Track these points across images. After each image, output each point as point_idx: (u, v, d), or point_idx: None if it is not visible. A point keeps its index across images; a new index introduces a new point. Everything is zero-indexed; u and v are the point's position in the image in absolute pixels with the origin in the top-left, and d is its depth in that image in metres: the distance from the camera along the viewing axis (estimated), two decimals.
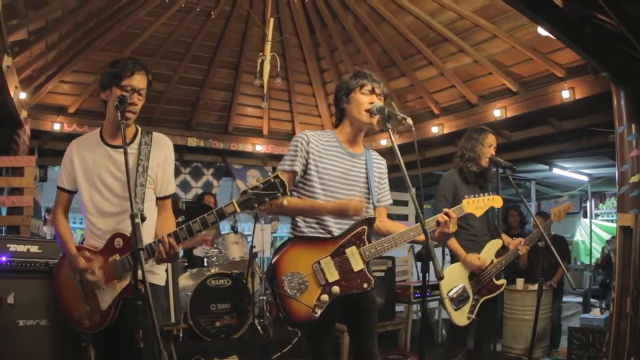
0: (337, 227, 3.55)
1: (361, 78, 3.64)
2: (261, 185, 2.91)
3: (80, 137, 3.60)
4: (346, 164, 3.65)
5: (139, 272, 2.72)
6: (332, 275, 3.36)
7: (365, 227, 3.51)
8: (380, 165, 3.89)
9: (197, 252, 8.54)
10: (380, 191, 3.84)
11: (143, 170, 3.39)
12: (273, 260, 3.44)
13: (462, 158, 5.16)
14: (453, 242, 4.89)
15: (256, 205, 2.92)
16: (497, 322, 6.68)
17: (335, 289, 3.35)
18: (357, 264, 3.40)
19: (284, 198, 2.95)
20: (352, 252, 3.43)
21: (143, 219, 2.85)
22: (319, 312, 3.30)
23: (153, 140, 3.52)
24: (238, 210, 2.95)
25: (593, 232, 15.44)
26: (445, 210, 3.57)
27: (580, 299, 12.42)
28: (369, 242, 3.49)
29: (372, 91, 3.62)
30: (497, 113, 8.00)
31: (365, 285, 3.41)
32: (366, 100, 3.58)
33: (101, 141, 3.44)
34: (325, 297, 3.33)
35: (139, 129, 3.55)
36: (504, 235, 5.44)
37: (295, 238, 3.56)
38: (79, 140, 3.54)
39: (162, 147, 3.55)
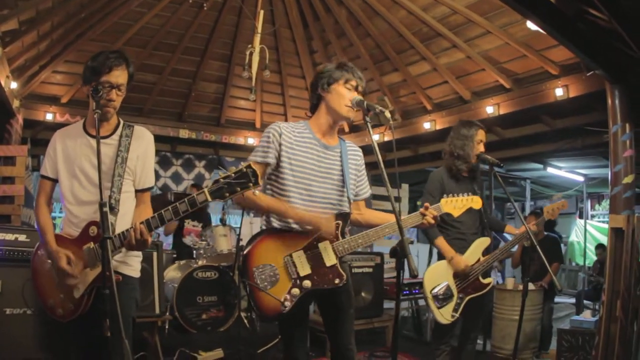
0: None
1: (347, 72, 3.60)
2: (233, 175, 2.90)
3: (65, 127, 3.61)
4: (320, 156, 3.59)
5: (108, 261, 2.73)
6: (304, 269, 3.34)
7: (340, 222, 3.49)
8: (356, 157, 3.82)
9: (187, 241, 8.51)
10: (358, 184, 3.80)
11: (122, 161, 3.39)
12: (244, 252, 3.42)
13: (451, 155, 5.11)
14: (441, 241, 4.85)
15: (227, 194, 2.92)
16: (487, 321, 6.65)
17: (307, 283, 3.33)
18: (330, 259, 3.38)
19: (255, 188, 2.91)
20: (324, 247, 3.41)
21: (111, 207, 2.85)
22: (288, 305, 3.28)
23: (134, 133, 3.52)
24: (209, 199, 2.94)
25: (588, 233, 15.44)
26: (426, 204, 3.59)
27: (574, 300, 12.40)
28: (343, 237, 3.47)
29: (356, 88, 3.59)
30: (490, 110, 7.96)
31: (336, 281, 3.38)
32: (348, 95, 3.54)
33: (83, 131, 3.45)
34: (296, 290, 3.31)
35: (121, 121, 3.55)
36: (509, 227, 5.42)
37: (268, 230, 3.52)
38: (62, 130, 3.55)
39: (142, 140, 3.55)
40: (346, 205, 3.68)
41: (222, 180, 2.91)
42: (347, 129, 10.48)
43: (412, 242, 3.07)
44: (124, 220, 3.34)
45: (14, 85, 7.60)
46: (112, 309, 2.76)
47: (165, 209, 3.06)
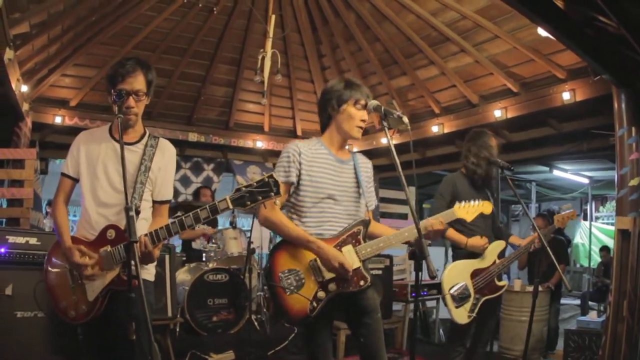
0: (332, 229, 3.56)
1: (356, 91, 3.66)
2: (255, 184, 2.98)
3: (90, 129, 3.68)
4: (336, 170, 3.67)
5: (136, 264, 2.77)
6: (329, 272, 3.39)
7: (361, 227, 3.58)
8: (367, 168, 3.91)
9: (196, 245, 8.54)
10: (367, 195, 3.85)
11: (145, 169, 3.45)
12: (270, 258, 3.48)
13: (474, 164, 5.16)
14: (451, 232, 4.92)
15: (249, 203, 2.98)
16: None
17: (332, 286, 3.39)
18: (354, 262, 3.43)
19: (276, 198, 2.97)
20: (348, 251, 3.47)
21: (137, 212, 2.89)
22: (315, 305, 3.34)
23: (159, 144, 3.59)
24: (231, 206, 3.01)
25: (593, 235, 15.47)
26: (432, 221, 3.64)
27: (578, 302, 12.44)
28: (365, 242, 3.54)
29: (364, 106, 3.65)
30: (498, 113, 8.00)
31: (361, 283, 3.46)
32: (358, 116, 3.62)
33: (109, 136, 3.50)
34: (322, 294, 3.38)
35: (148, 132, 3.63)
36: (513, 237, 5.47)
37: None
38: (88, 132, 3.62)
39: (166, 153, 3.62)
40: (363, 215, 3.75)
41: (243, 189, 2.98)
42: None
43: (429, 244, 3.13)
44: (140, 225, 3.34)
45: (24, 88, 7.65)
46: (136, 313, 2.82)
47: (186, 215, 3.10)
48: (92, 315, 3.25)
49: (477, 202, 3.99)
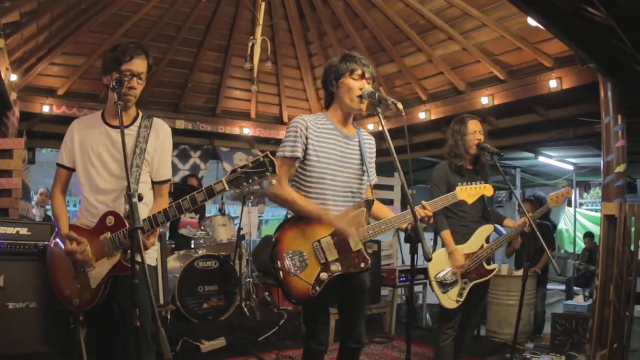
0: (335, 209, 3.59)
1: (351, 62, 3.64)
2: (250, 165, 2.99)
3: (82, 117, 3.66)
4: (342, 146, 3.69)
5: (137, 252, 2.78)
6: (332, 254, 3.45)
7: (364, 209, 3.59)
8: (370, 144, 3.92)
9: (183, 231, 8.54)
10: (369, 171, 3.86)
11: (140, 152, 3.44)
12: (274, 238, 3.51)
13: (449, 154, 5.20)
14: (447, 234, 4.94)
15: (245, 183, 2.99)
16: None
17: (334, 267, 3.44)
18: (356, 244, 3.48)
19: (273, 177, 3.01)
20: None
21: (140, 198, 2.91)
22: (318, 289, 3.40)
23: (153, 125, 3.57)
24: (227, 188, 3.01)
25: (577, 222, 15.61)
26: (423, 203, 3.70)
27: (563, 287, 12.56)
28: (368, 224, 3.58)
29: (363, 76, 3.63)
30: (485, 100, 8.08)
31: (363, 265, 3.50)
32: (357, 86, 3.59)
33: (102, 121, 3.49)
34: (324, 275, 3.42)
35: (140, 113, 3.61)
36: (508, 220, 5.52)
37: (296, 217, 3.61)
38: (80, 120, 3.60)
39: (161, 133, 3.60)
40: (365, 192, 3.82)
41: (239, 170, 2.99)
42: None
43: (425, 228, 3.13)
44: (140, 209, 3.38)
45: (13, 77, 7.61)
46: (139, 299, 2.87)
47: (184, 199, 3.11)
48: (96, 303, 3.27)
49: (478, 184, 4.06)
